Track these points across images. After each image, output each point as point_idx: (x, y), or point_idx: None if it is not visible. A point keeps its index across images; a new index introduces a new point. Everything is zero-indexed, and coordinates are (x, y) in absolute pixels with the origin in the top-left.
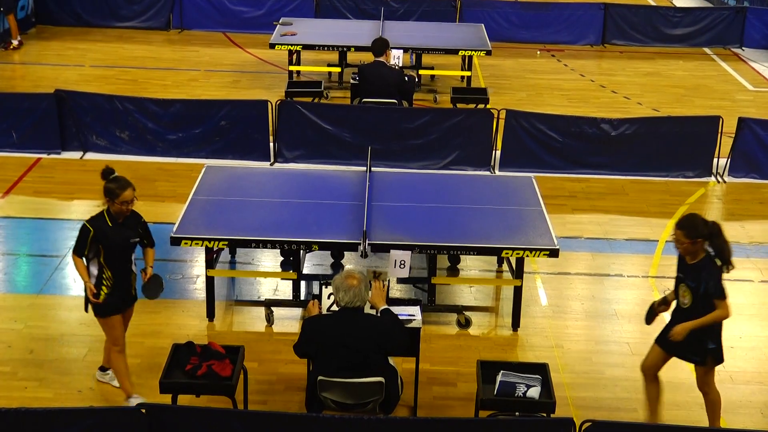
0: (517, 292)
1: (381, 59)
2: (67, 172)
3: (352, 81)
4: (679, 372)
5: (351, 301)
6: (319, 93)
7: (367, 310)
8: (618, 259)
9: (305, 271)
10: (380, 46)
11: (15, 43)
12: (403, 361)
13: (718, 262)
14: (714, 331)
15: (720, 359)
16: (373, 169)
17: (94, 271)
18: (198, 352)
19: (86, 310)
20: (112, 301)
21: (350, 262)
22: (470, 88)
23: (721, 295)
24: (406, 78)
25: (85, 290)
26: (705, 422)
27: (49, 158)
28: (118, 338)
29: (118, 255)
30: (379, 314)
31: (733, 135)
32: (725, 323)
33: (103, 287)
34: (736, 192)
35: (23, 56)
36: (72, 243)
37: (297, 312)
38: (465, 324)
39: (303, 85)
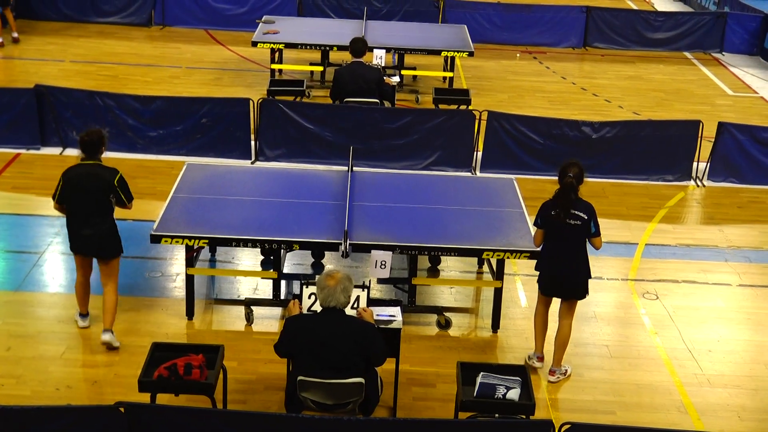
0: (498, 293)
1: (359, 59)
2: (47, 168)
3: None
4: (657, 375)
5: (324, 300)
6: (301, 92)
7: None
8: (597, 261)
9: (285, 270)
10: (363, 47)
11: (15, 35)
12: None
13: None
14: None
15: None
16: (354, 168)
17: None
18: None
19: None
20: None
21: (331, 262)
22: (452, 89)
23: None
24: (388, 84)
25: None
26: (683, 425)
27: (29, 154)
28: None
29: None
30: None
31: (713, 139)
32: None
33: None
34: (715, 196)
35: (3, 51)
36: (51, 239)
37: (277, 311)
38: (445, 325)
39: (285, 83)
